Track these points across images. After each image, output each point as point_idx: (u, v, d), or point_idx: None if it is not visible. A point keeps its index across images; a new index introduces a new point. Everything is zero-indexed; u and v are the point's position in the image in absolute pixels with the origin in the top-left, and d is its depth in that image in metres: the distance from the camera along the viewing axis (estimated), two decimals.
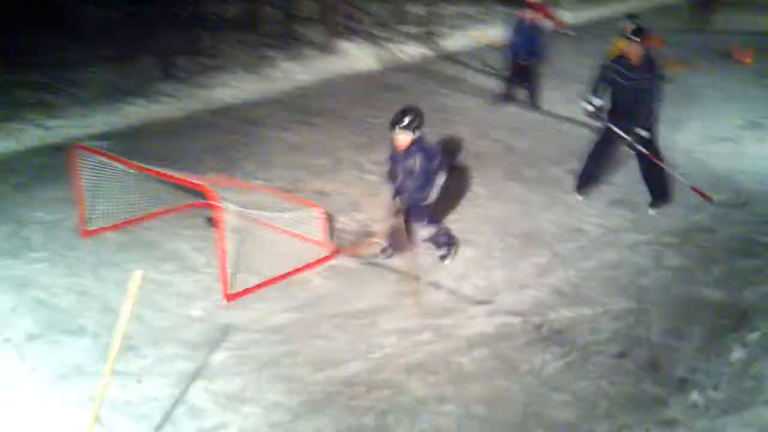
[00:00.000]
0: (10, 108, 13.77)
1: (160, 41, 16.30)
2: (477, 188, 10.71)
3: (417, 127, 7.86)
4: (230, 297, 7.68)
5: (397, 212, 8.28)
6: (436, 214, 8.61)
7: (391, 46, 19.70)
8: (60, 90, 15.06)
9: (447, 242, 8.65)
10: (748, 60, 18.85)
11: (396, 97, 15.58)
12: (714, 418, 5.97)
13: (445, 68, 18.47)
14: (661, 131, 12.52)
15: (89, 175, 8.90)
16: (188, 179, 8.00)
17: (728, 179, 10.99)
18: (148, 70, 16.76)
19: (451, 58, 19.67)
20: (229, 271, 7.66)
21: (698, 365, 6.70)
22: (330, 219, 9.19)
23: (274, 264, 8.15)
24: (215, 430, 5.88)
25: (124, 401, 6.12)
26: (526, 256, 8.74)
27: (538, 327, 7.29)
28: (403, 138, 7.86)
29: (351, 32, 20.21)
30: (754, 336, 7.09)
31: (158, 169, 8.31)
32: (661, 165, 9.92)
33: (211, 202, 7.58)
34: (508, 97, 14.73)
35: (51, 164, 11.29)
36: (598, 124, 10.08)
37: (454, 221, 9.61)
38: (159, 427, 5.88)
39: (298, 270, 8.24)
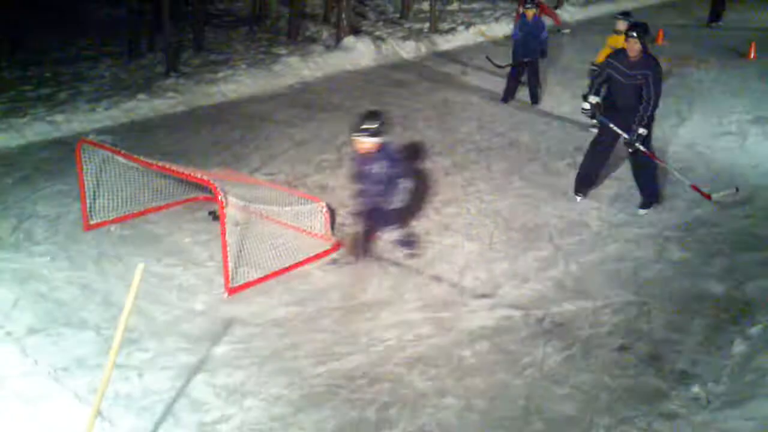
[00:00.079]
0: (15, 102, 13.82)
1: (165, 37, 16.30)
2: (479, 182, 10.70)
3: (381, 132, 7.75)
4: (232, 290, 7.69)
5: (358, 215, 8.28)
6: (401, 218, 8.53)
7: (396, 41, 19.68)
8: (64, 85, 15.10)
9: (413, 242, 8.67)
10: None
11: (400, 92, 15.62)
12: (715, 412, 5.96)
13: (448, 63, 18.44)
14: (664, 126, 12.58)
15: (92, 170, 8.93)
16: (191, 173, 8.01)
17: (731, 173, 10.96)
18: (152, 65, 16.80)
19: (455, 53, 19.65)
20: (231, 264, 7.67)
21: (699, 358, 6.69)
22: (332, 213, 9.19)
23: (276, 258, 8.16)
24: (217, 423, 5.89)
25: (125, 395, 6.13)
26: (527, 250, 8.73)
27: (540, 320, 7.28)
28: (367, 143, 7.76)
29: (356, 28, 20.20)
30: (755, 329, 7.08)
31: (161, 164, 8.32)
32: (661, 163, 9.88)
33: (214, 196, 7.58)
34: (509, 94, 14.67)
35: (54, 158, 11.33)
36: (595, 121, 10.01)
37: (455, 215, 9.62)
38: (161, 420, 5.89)
39: (299, 264, 8.25)
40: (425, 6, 23.71)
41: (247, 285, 7.82)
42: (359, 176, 8.05)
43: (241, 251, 8.00)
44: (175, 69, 16.12)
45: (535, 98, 14.53)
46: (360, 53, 18.37)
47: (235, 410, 6.01)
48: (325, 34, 20.46)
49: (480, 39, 21.08)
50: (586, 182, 10.10)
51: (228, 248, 7.57)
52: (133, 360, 6.58)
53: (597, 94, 9.68)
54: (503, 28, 21.99)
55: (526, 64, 14.26)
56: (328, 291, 7.85)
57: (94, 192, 9.03)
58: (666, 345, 6.89)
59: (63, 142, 12.03)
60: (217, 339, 6.94)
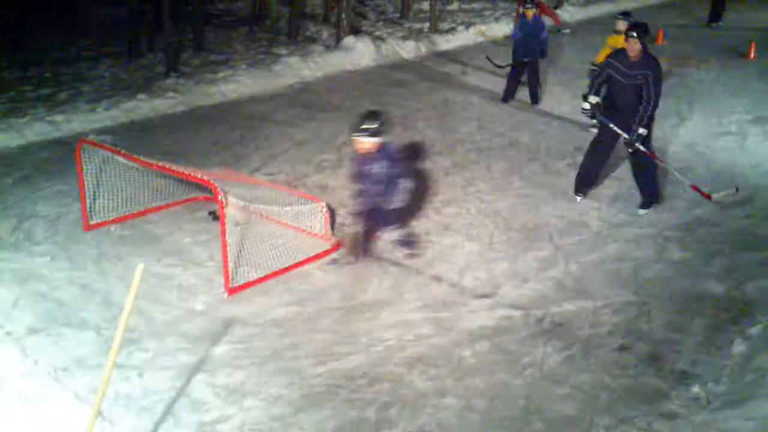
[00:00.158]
0: (15, 102, 13.82)
1: (165, 37, 16.30)
2: (479, 182, 10.70)
3: (381, 132, 7.74)
4: (232, 290, 7.69)
5: (358, 215, 8.26)
6: (401, 218, 8.51)
7: (396, 41, 19.68)
8: (64, 85, 15.11)
9: (413, 242, 8.66)
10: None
11: (400, 92, 15.62)
12: (715, 412, 5.96)
13: (449, 63, 18.44)
14: (664, 126, 12.58)
15: (92, 170, 8.93)
16: (191, 174, 8.01)
17: (731, 173, 10.96)
18: (152, 65, 16.81)
19: (455, 53, 19.65)
20: (230, 264, 7.67)
21: (699, 358, 6.69)
22: (332, 213, 9.19)
23: (276, 258, 8.17)
24: (217, 423, 5.89)
25: (126, 394, 6.13)
26: (527, 250, 8.73)
27: (540, 320, 7.28)
28: (367, 143, 7.75)
29: (356, 28, 20.20)
30: (755, 329, 7.08)
31: (161, 164, 8.33)
32: (661, 163, 9.87)
33: (214, 196, 7.58)
34: (509, 94, 14.65)
35: (54, 158, 11.34)
36: (595, 121, 9.97)
37: (455, 215, 9.62)
38: (161, 420, 5.89)
39: (299, 264, 8.25)
40: (425, 6, 23.71)
41: (247, 285, 7.82)
42: (359, 176, 8.03)
43: (241, 251, 8.00)
44: (175, 69, 16.12)
45: (535, 98, 14.52)
46: (360, 53, 18.37)
47: (235, 410, 6.01)
48: (325, 34, 20.46)
49: (480, 39, 21.08)
50: (586, 182, 10.07)
51: (228, 248, 7.57)
52: (133, 360, 6.58)
53: (597, 94, 9.65)
54: (503, 28, 21.99)
55: (525, 64, 14.25)
56: (328, 291, 7.85)
57: (94, 192, 9.03)
58: (666, 345, 6.89)
59: (63, 142, 12.03)
60: (217, 339, 6.94)
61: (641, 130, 9.21)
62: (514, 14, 19.45)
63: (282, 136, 12.65)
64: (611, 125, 9.47)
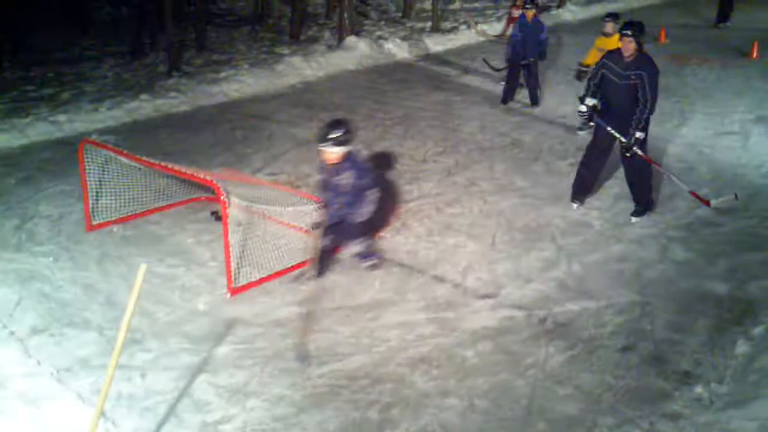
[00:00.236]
0: (18, 103, 13.84)
1: (168, 36, 16.32)
2: (482, 182, 10.69)
3: (347, 142, 7.54)
4: (235, 291, 7.69)
5: (319, 226, 7.69)
6: (366, 231, 8.23)
7: (398, 41, 19.68)
8: (67, 85, 15.13)
9: (373, 255, 8.37)
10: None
11: (402, 91, 15.63)
12: (718, 412, 5.95)
13: (451, 62, 18.45)
14: (666, 125, 12.57)
15: (95, 170, 8.94)
16: (194, 174, 8.01)
17: (733, 173, 10.95)
18: (155, 65, 16.83)
19: (457, 52, 19.66)
20: (233, 265, 7.67)
21: (703, 359, 6.68)
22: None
23: (279, 258, 8.16)
24: (220, 423, 5.89)
25: (128, 395, 6.13)
26: (530, 250, 8.72)
27: (543, 321, 7.28)
28: (333, 153, 7.53)
29: (358, 28, 20.21)
30: (758, 330, 7.08)
31: (164, 164, 8.33)
32: (658, 167, 9.77)
33: (217, 197, 7.58)
34: (508, 96, 14.56)
35: (57, 158, 11.36)
36: (582, 125, 9.73)
37: (458, 215, 9.62)
38: (163, 420, 5.89)
39: (302, 264, 8.23)
40: (427, 5, 23.71)
41: (250, 285, 7.82)
42: (325, 187, 7.85)
43: (243, 252, 8.00)
44: (177, 69, 16.14)
45: (534, 100, 14.42)
46: (362, 53, 18.37)
47: (238, 411, 6.01)
48: (327, 34, 20.48)
49: (482, 38, 21.07)
50: (583, 189, 9.87)
51: (230, 249, 7.57)
52: (136, 360, 6.58)
53: (594, 96, 9.39)
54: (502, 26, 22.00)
55: (523, 66, 14.17)
56: (330, 291, 7.84)
57: (97, 192, 9.02)
58: (669, 345, 6.88)
59: (65, 143, 12.05)
60: (220, 339, 6.94)
61: (638, 134, 8.99)
62: (507, 16, 19.22)
63: (284, 136, 12.65)
64: (608, 128, 9.23)
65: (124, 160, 8.84)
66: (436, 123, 13.44)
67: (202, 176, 7.92)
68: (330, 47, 18.76)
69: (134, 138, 12.28)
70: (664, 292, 7.80)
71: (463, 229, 9.25)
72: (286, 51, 18.28)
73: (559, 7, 25.02)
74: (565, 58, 18.05)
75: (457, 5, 25.14)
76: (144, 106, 13.97)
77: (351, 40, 18.72)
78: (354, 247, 8.16)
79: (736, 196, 9.74)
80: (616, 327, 7.18)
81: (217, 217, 8.87)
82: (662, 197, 10.01)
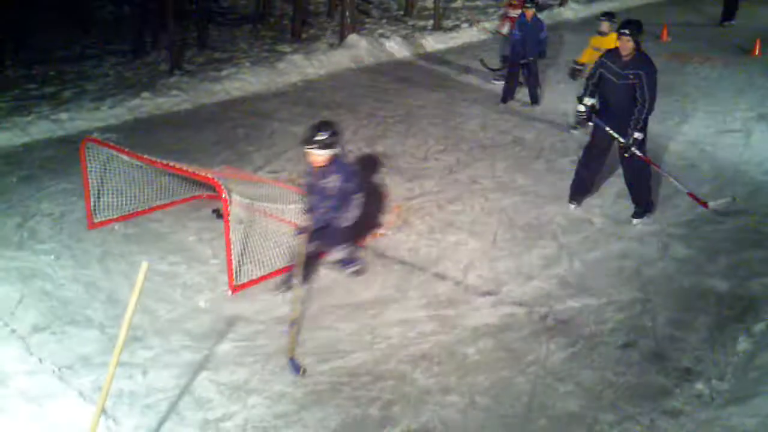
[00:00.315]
0: (19, 101, 13.85)
1: (169, 35, 16.33)
2: (483, 179, 10.70)
3: (334, 144, 7.29)
4: (236, 288, 7.70)
5: (303, 231, 7.45)
6: (352, 236, 8.07)
7: (399, 39, 19.68)
8: (69, 83, 15.13)
9: (357, 261, 8.19)
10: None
11: (404, 89, 15.62)
12: (719, 409, 5.96)
13: (452, 61, 18.44)
14: (668, 123, 12.56)
15: (97, 168, 8.94)
16: (195, 172, 8.02)
17: (735, 171, 10.95)
18: (156, 63, 16.84)
19: (458, 50, 19.65)
20: (234, 262, 7.68)
21: (703, 356, 6.69)
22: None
23: (280, 255, 8.16)
24: (221, 421, 5.89)
25: (130, 392, 6.14)
26: (531, 247, 8.73)
27: (544, 318, 7.29)
28: (320, 155, 7.28)
29: (359, 25, 20.20)
30: (759, 327, 7.09)
31: (166, 162, 8.34)
32: (657, 168, 9.69)
33: (218, 194, 7.59)
34: (508, 95, 14.53)
35: (59, 157, 11.36)
36: (590, 124, 9.64)
37: (459, 213, 9.62)
38: (165, 418, 5.89)
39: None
40: (429, 3, 23.72)
41: (251, 283, 7.83)
42: (310, 191, 7.63)
43: (244, 249, 8.00)
44: (179, 67, 16.15)
45: (534, 99, 14.38)
46: (364, 51, 18.37)
47: (239, 408, 6.02)
48: (328, 32, 20.48)
49: (483, 36, 21.05)
50: (581, 190, 9.79)
51: (232, 246, 7.59)
52: (138, 358, 6.58)
53: (592, 95, 9.28)
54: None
55: (522, 65, 14.15)
56: (331, 288, 7.86)
57: (99, 190, 9.02)
58: (670, 342, 6.89)
59: (67, 141, 12.05)
60: (221, 336, 6.95)
61: (637, 134, 8.88)
62: (502, 15, 19.02)
63: (285, 134, 12.65)
64: (607, 128, 9.12)
65: (125, 158, 8.84)
66: (438, 121, 13.44)
67: (203, 174, 7.93)
68: (331, 45, 18.76)
69: (136, 136, 12.29)
70: (665, 290, 7.81)
71: (465, 226, 9.25)
72: (287, 49, 18.29)
73: (560, 5, 24.99)
74: (566, 56, 17.98)
75: (458, 3, 25.15)
76: (145, 105, 13.97)
77: (352, 38, 18.71)
78: (338, 253, 8.04)
79: (734, 199, 9.72)
80: (616, 324, 7.18)
81: (219, 214, 8.87)
82: (663, 195, 10.00)
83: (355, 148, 11.96)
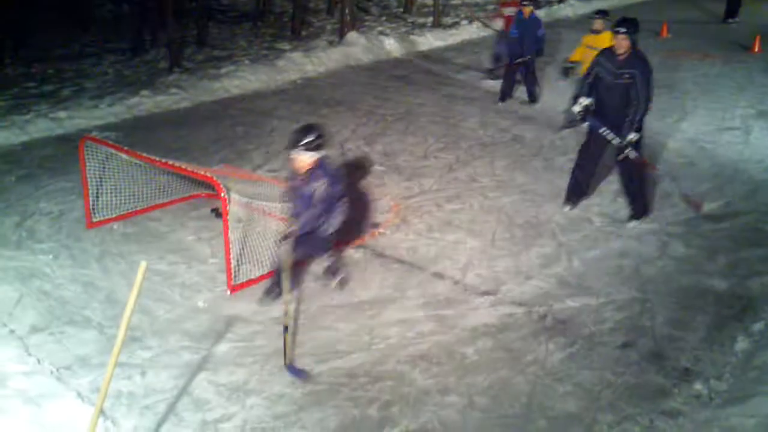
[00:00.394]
0: (18, 99, 13.84)
1: (168, 33, 16.31)
2: (482, 178, 10.69)
3: (319, 147, 6.98)
4: (235, 288, 7.69)
5: (288, 237, 6.94)
6: (335, 243, 7.83)
7: (399, 36, 19.68)
8: (67, 81, 15.13)
9: (340, 270, 7.95)
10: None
11: (403, 87, 15.63)
12: (718, 409, 5.95)
13: (452, 58, 18.43)
14: (667, 120, 12.56)
15: (95, 167, 8.94)
16: (195, 170, 8.01)
17: (735, 169, 10.94)
18: (155, 61, 16.83)
19: (458, 48, 19.64)
20: (233, 262, 7.67)
21: (702, 355, 6.68)
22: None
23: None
24: (219, 422, 5.88)
25: (128, 393, 6.13)
26: (530, 246, 8.72)
27: (542, 317, 7.27)
28: (305, 159, 6.96)
29: (359, 23, 20.19)
30: (758, 326, 7.08)
31: (165, 161, 8.33)
32: (653, 169, 9.63)
33: (217, 193, 7.58)
34: (506, 94, 14.53)
35: (57, 155, 11.37)
36: (585, 125, 9.54)
37: (458, 211, 9.61)
38: (163, 419, 5.89)
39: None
40: (428, 0, 23.70)
41: (250, 282, 7.82)
42: (294, 196, 7.25)
43: (243, 249, 8.00)
44: (178, 65, 16.15)
45: (532, 97, 14.38)
46: (363, 48, 18.37)
47: (238, 408, 6.01)
48: (328, 30, 20.47)
49: (483, 33, 21.02)
50: (577, 192, 9.68)
51: (231, 245, 7.58)
52: (136, 358, 6.58)
53: (588, 95, 9.13)
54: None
55: (521, 63, 14.12)
56: (330, 288, 7.84)
57: (97, 189, 9.02)
58: (669, 342, 6.88)
59: (66, 139, 12.06)
60: (220, 337, 6.94)
61: (632, 135, 8.78)
62: (497, 14, 18.93)
63: (285, 132, 12.56)
64: (602, 129, 8.98)
65: (124, 156, 8.84)
66: (437, 119, 13.43)
67: (202, 173, 7.92)
68: (331, 43, 18.76)
69: (135, 134, 12.29)
70: (664, 289, 7.80)
71: (464, 225, 9.24)
72: (287, 47, 18.29)
73: (560, 2, 24.97)
74: (565, 54, 17.93)
75: (458, 0, 25.13)
76: (144, 103, 13.98)
77: (352, 35, 18.71)
78: (324, 261, 7.85)
79: (728, 203, 9.70)
80: (615, 324, 7.17)
81: (218, 214, 8.87)
82: (662, 193, 9.99)
83: (354, 145, 11.97)
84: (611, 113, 8.94)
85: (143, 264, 4.91)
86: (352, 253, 8.55)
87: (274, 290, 7.50)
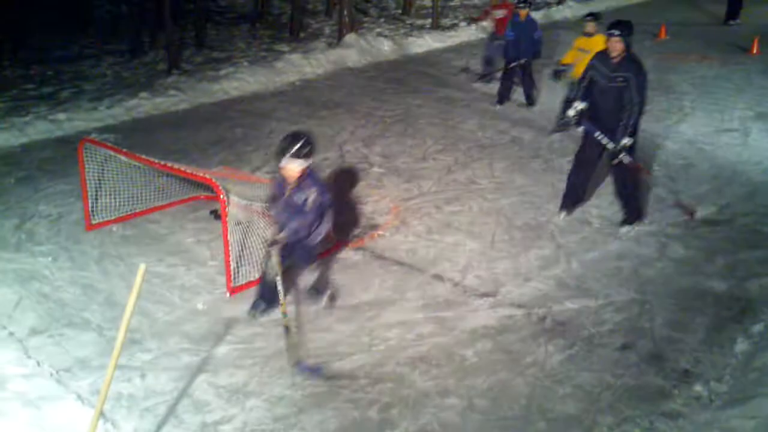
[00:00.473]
0: (17, 101, 13.84)
1: (167, 34, 16.31)
2: (481, 180, 10.69)
3: (308, 155, 6.76)
4: (234, 290, 7.69)
5: (276, 244, 6.81)
6: (321, 255, 7.79)
7: (397, 38, 19.68)
8: (66, 83, 15.13)
9: (326, 285, 7.76)
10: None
11: (402, 89, 15.63)
12: (718, 410, 5.96)
13: (451, 60, 18.42)
14: (666, 122, 12.56)
15: (94, 169, 8.93)
16: (194, 172, 8.01)
17: (733, 171, 10.95)
18: (154, 63, 16.83)
19: (457, 49, 19.63)
20: (233, 264, 7.67)
21: (702, 357, 6.68)
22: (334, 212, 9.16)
23: None
24: (219, 424, 5.88)
25: (128, 395, 6.13)
26: (529, 248, 8.72)
27: (542, 319, 7.28)
28: (294, 167, 6.75)
29: (357, 25, 20.19)
30: (757, 327, 7.09)
31: (164, 163, 8.33)
32: (647, 174, 9.59)
33: (216, 195, 7.58)
34: (504, 97, 14.47)
35: (56, 157, 11.36)
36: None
37: (457, 213, 9.61)
38: (163, 421, 5.89)
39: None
40: (427, 2, 23.71)
41: (249, 284, 7.80)
42: (280, 205, 7.01)
43: (242, 251, 7.99)
44: (177, 67, 16.14)
45: (530, 99, 14.32)
46: (361, 50, 18.36)
47: (238, 411, 6.01)
48: (326, 31, 20.47)
49: (482, 35, 21.02)
50: (572, 197, 9.56)
51: (230, 248, 7.57)
52: (136, 361, 6.58)
53: (583, 99, 9.03)
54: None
55: (514, 67, 14.09)
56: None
57: (96, 191, 9.01)
58: (668, 343, 6.88)
59: (65, 141, 12.05)
60: (220, 339, 6.94)
61: (626, 140, 8.68)
62: (483, 14, 18.76)
63: (284, 133, 12.57)
64: (597, 134, 8.88)
65: (123, 158, 8.83)
66: (436, 120, 13.43)
67: (201, 174, 7.92)
68: (330, 45, 18.75)
69: (134, 136, 12.28)
70: (663, 290, 7.80)
71: (463, 227, 9.25)
72: (285, 48, 18.29)
73: (558, 3, 24.98)
74: (563, 56, 18.00)
75: (456, 1, 25.14)
76: (143, 105, 13.98)
77: (351, 37, 18.70)
78: (308, 274, 7.69)
79: (722, 208, 9.70)
80: (615, 325, 7.18)
81: (217, 215, 8.87)
82: (660, 195, 10.00)
83: (352, 147, 11.97)
84: (605, 117, 8.86)
85: (142, 266, 4.91)
86: (351, 254, 8.56)
87: (260, 305, 7.35)
